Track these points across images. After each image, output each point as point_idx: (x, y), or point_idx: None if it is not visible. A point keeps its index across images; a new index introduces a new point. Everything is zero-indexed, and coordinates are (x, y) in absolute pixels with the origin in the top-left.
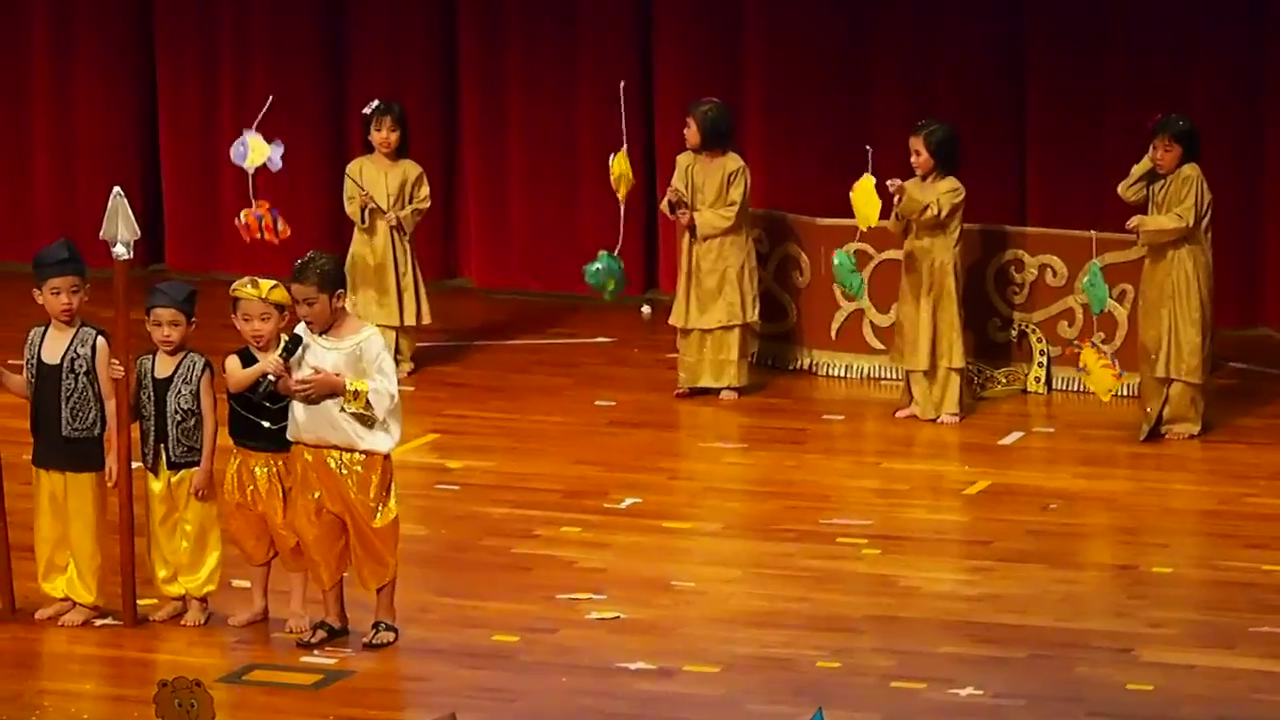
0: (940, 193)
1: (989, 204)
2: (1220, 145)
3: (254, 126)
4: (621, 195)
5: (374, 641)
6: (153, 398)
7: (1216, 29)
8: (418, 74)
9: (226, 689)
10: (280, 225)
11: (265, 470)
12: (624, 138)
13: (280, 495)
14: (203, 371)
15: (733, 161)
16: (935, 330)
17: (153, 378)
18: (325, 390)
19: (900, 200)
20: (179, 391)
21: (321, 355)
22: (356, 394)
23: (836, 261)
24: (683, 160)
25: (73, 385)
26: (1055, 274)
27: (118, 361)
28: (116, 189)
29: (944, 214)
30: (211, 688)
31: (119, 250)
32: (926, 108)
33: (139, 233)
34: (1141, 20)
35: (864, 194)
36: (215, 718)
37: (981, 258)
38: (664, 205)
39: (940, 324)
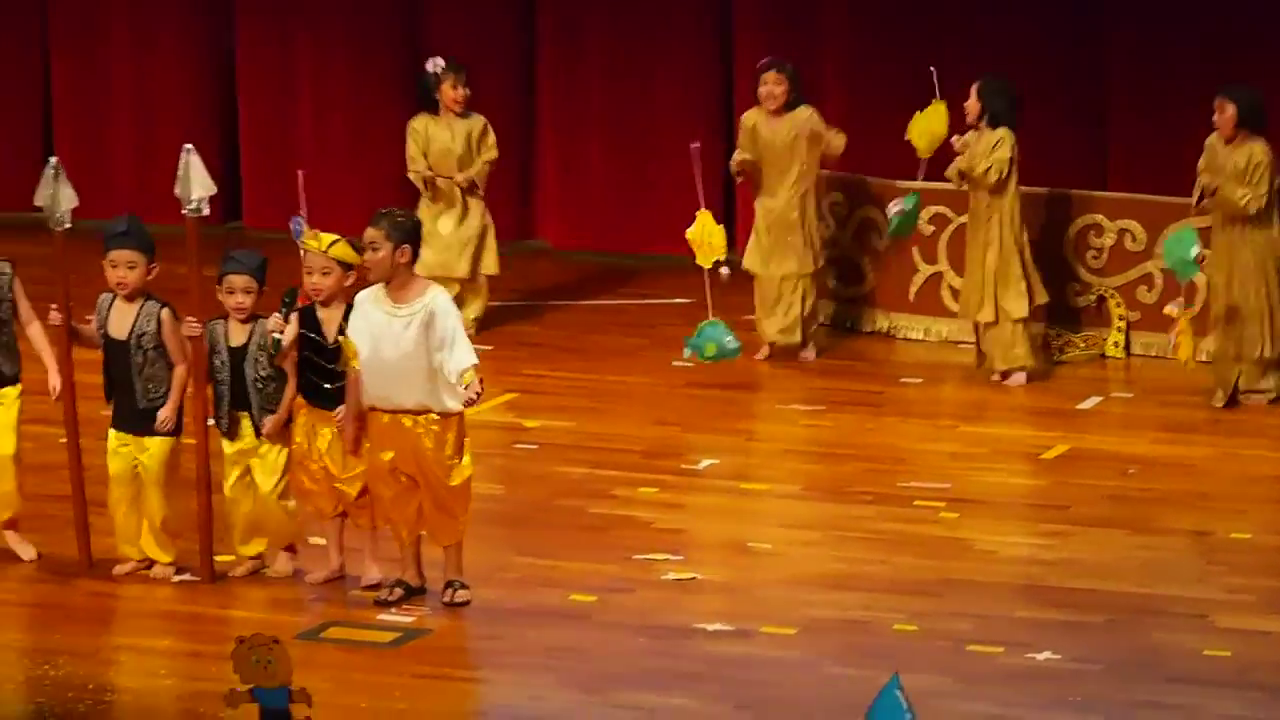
0: (988, 146)
1: (1070, 169)
2: None
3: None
4: (705, 261)
5: (454, 600)
6: (228, 364)
7: None
8: (495, 33)
9: (304, 646)
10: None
11: (328, 428)
12: (701, 199)
13: (341, 451)
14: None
15: (807, 113)
16: (997, 283)
17: (226, 345)
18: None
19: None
20: (255, 359)
21: (387, 325)
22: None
23: (908, 206)
24: (749, 122)
25: (142, 360)
26: (1134, 239)
27: (193, 319)
28: (187, 146)
29: (1005, 173)
30: (289, 645)
31: (192, 206)
32: (1004, 70)
33: (214, 188)
34: None
35: (929, 118)
36: (293, 675)
37: (1060, 222)
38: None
39: (1002, 276)
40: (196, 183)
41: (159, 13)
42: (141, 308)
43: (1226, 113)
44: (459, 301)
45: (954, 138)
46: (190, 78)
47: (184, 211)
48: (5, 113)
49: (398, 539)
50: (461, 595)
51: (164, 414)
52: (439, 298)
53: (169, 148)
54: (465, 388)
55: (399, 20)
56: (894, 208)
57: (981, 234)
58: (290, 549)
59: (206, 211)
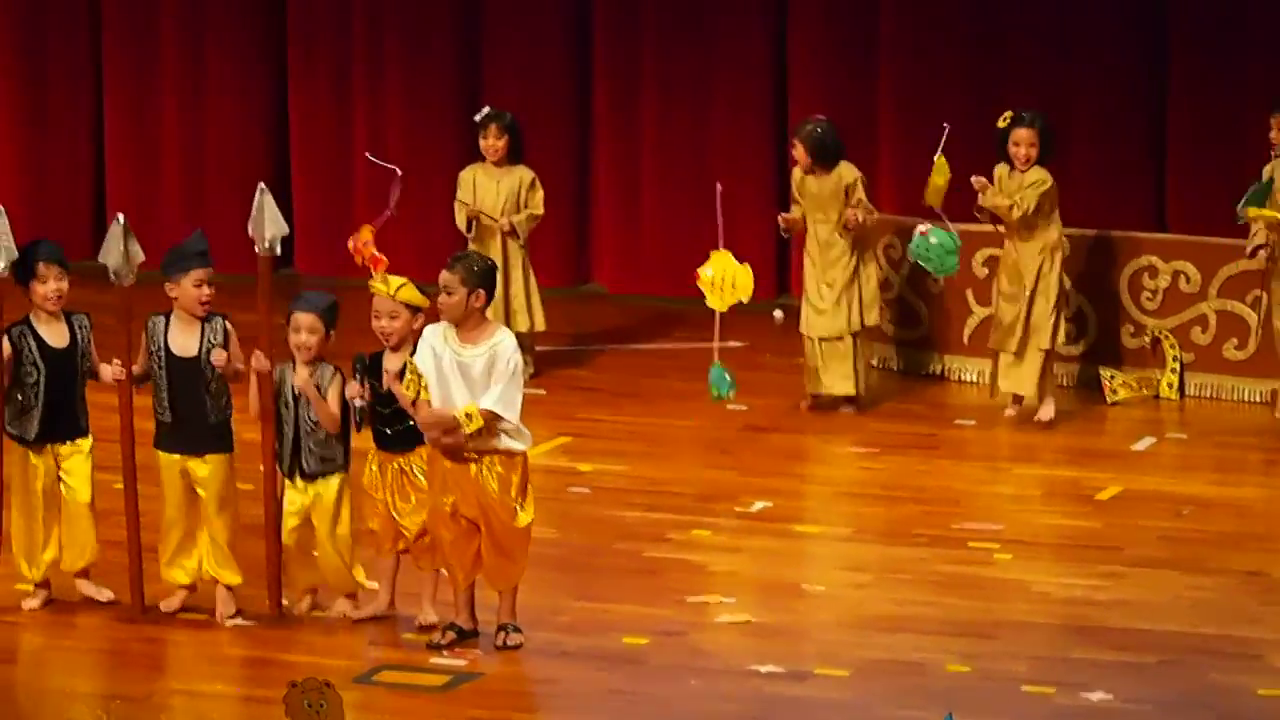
0: (1025, 185)
1: (1127, 210)
2: None
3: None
4: (718, 305)
5: (507, 644)
6: (290, 407)
7: None
8: (551, 77)
9: (356, 690)
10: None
11: (393, 468)
12: (720, 239)
13: (405, 495)
14: (331, 380)
15: (848, 173)
16: (1028, 322)
17: (291, 388)
18: (439, 426)
19: (982, 197)
20: (309, 404)
21: (455, 365)
22: (469, 417)
23: (935, 240)
24: (797, 176)
25: (211, 375)
26: (1189, 280)
27: (262, 354)
28: (261, 185)
29: (1030, 208)
30: (341, 688)
31: (265, 246)
32: (1063, 113)
33: (286, 228)
34: None
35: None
36: (345, 718)
37: (1114, 263)
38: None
39: (1033, 317)
40: (269, 222)
41: (209, 51)
42: (207, 323)
43: None
44: None
45: (972, 178)
46: (241, 118)
47: (257, 250)
48: (58, 161)
49: (453, 582)
50: (515, 639)
51: (221, 356)
52: (506, 340)
53: (218, 191)
54: (466, 417)
55: (455, 70)
56: (921, 228)
57: (1012, 281)
58: (351, 596)
59: (279, 251)
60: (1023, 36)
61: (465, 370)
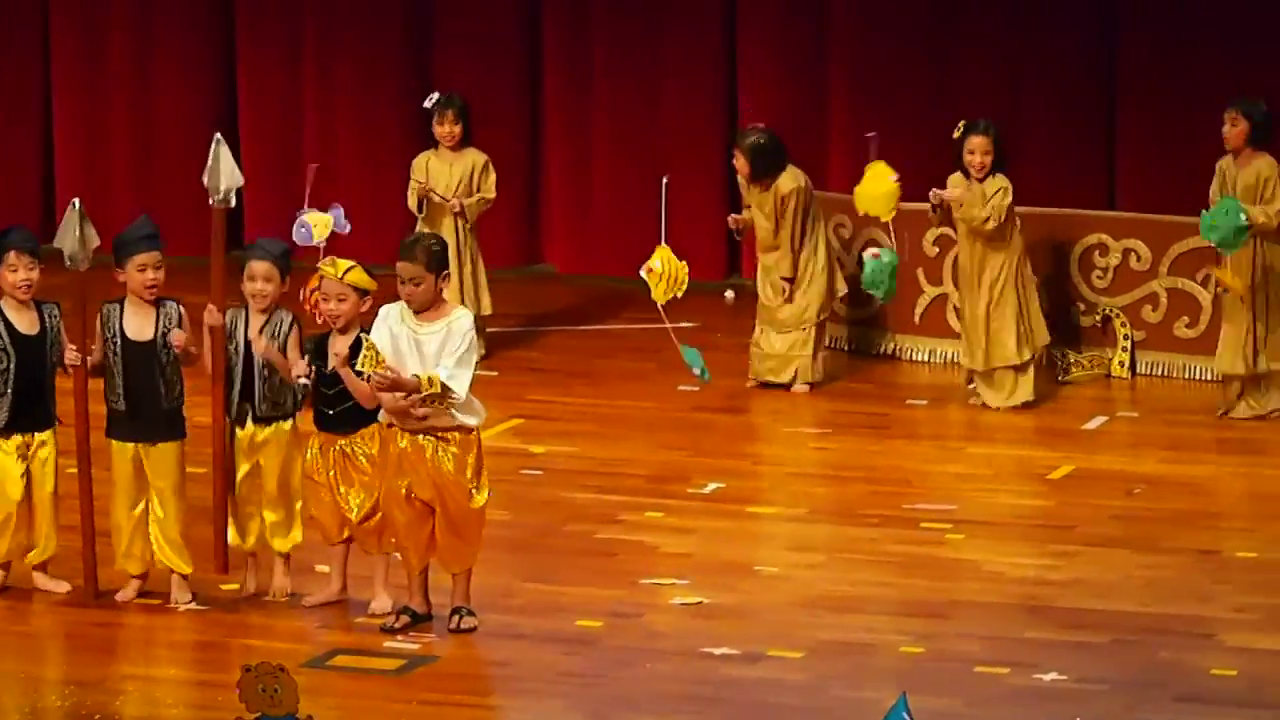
0: (990, 194)
1: (1078, 189)
2: None
3: (305, 201)
4: (661, 297)
5: (461, 627)
6: (241, 352)
7: None
8: (501, 59)
9: (310, 674)
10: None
11: (336, 451)
12: (662, 234)
13: (349, 478)
14: (290, 329)
15: (785, 183)
16: (989, 331)
17: (243, 333)
18: (399, 387)
19: (936, 211)
20: (166, 344)
21: (413, 344)
22: (430, 381)
23: (881, 262)
24: (744, 184)
25: (167, 359)
26: (1139, 258)
27: (214, 308)
28: (218, 135)
29: (1003, 219)
30: (295, 673)
31: (219, 197)
32: (1014, 93)
33: (241, 179)
34: (1235, 5)
35: (874, 182)
36: (299, 703)
37: (1065, 242)
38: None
39: (998, 322)
40: (225, 174)
41: (158, 35)
42: (161, 308)
43: (1239, 126)
44: None
45: (931, 192)
46: (191, 102)
47: (212, 203)
48: (6, 146)
49: (407, 565)
50: (468, 622)
51: (180, 336)
52: (464, 317)
53: (167, 175)
54: (428, 384)
55: (406, 54)
56: (869, 252)
57: (975, 285)
58: (286, 559)
59: (233, 203)
60: (974, 17)
61: (421, 347)
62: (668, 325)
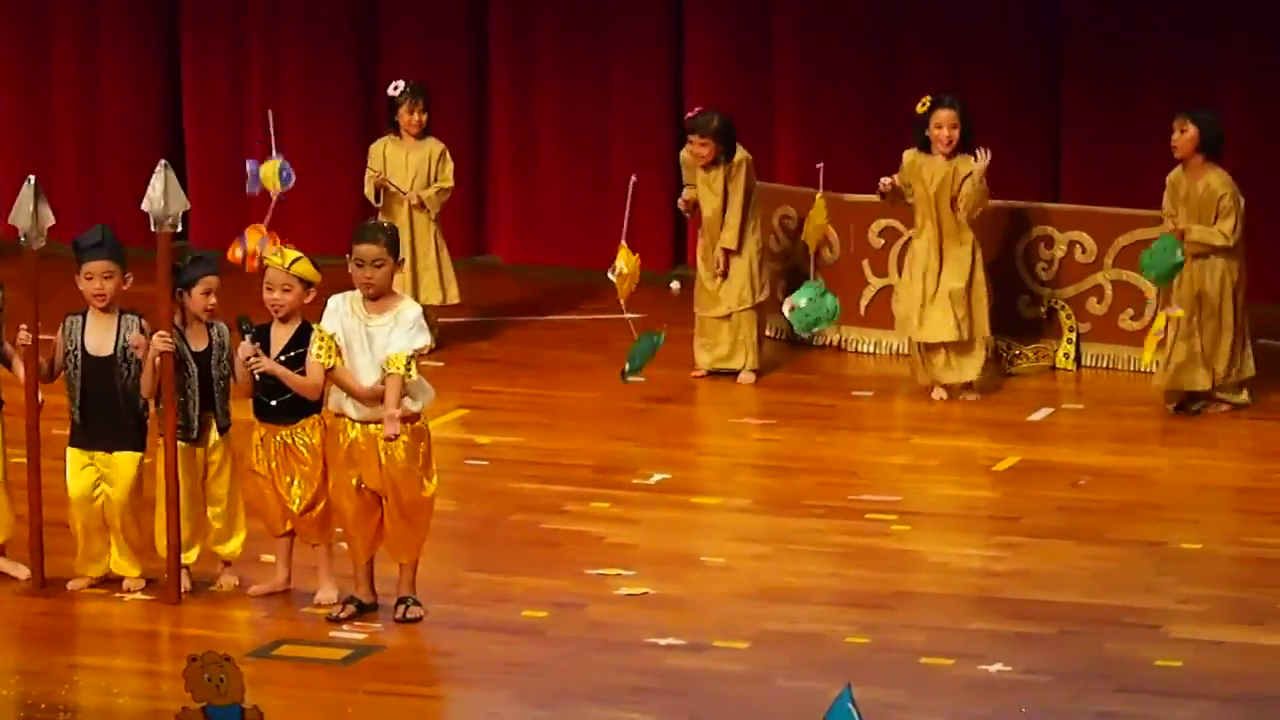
0: (962, 177)
1: (1022, 181)
2: (1257, 123)
3: (272, 149)
4: (623, 295)
5: (407, 616)
6: (195, 370)
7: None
8: (447, 49)
9: (256, 664)
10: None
11: (276, 442)
12: (624, 232)
13: (289, 468)
14: (230, 337)
15: (737, 155)
16: (972, 304)
17: (190, 351)
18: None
19: (884, 198)
20: (219, 359)
21: (363, 334)
22: (398, 365)
23: (802, 303)
24: (685, 158)
25: (127, 373)
26: (1084, 250)
27: (165, 334)
28: (163, 162)
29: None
30: (241, 662)
31: (169, 222)
32: (958, 84)
33: (188, 204)
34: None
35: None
36: (245, 692)
37: (1011, 234)
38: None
39: (977, 298)
40: (173, 198)
41: (102, 33)
42: (120, 320)
43: (1188, 133)
44: None
45: (881, 180)
46: (135, 99)
47: (156, 229)
48: None
49: (353, 555)
50: (414, 611)
51: (139, 339)
52: (412, 307)
53: (113, 172)
54: (393, 367)
55: (351, 40)
56: (785, 306)
57: (946, 255)
58: (229, 564)
59: (179, 228)
60: (921, 8)
61: (372, 340)
62: (626, 316)
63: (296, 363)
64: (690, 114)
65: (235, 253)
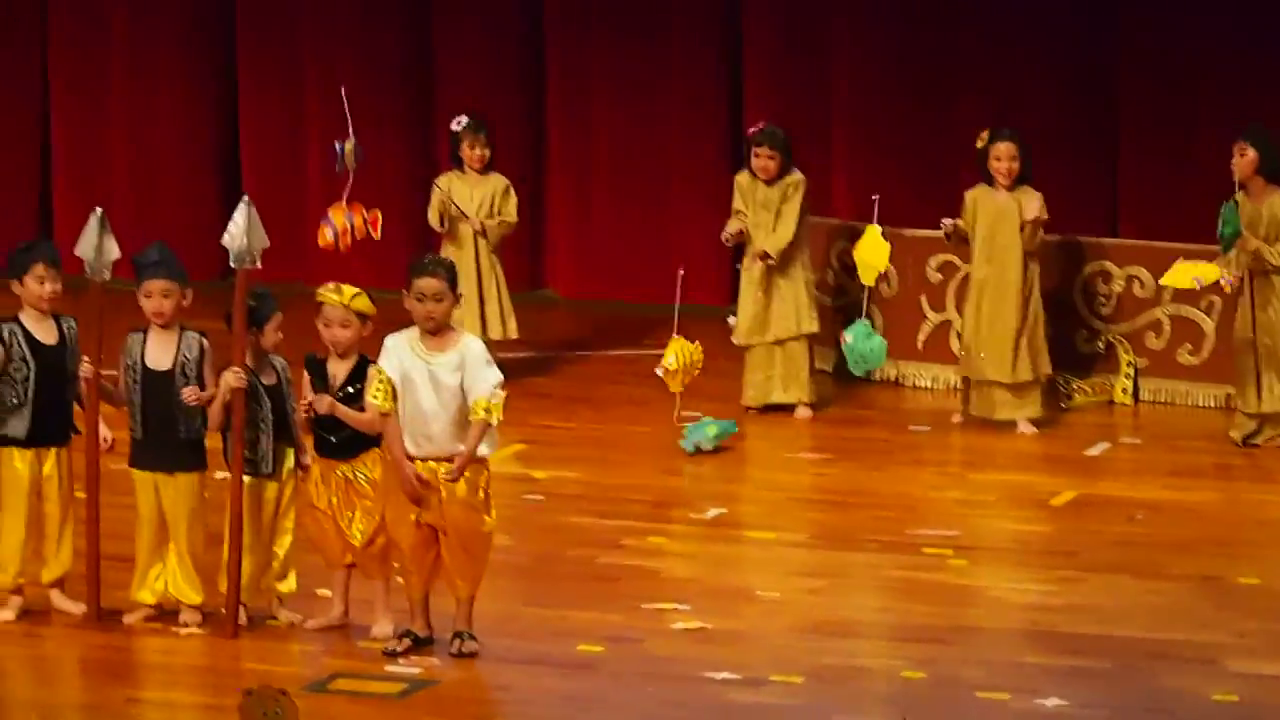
0: (1028, 206)
1: (1080, 215)
2: None
3: (349, 128)
4: (675, 388)
5: (463, 651)
6: (267, 403)
7: None
8: (504, 84)
9: (311, 698)
10: (367, 225)
11: (340, 477)
12: (674, 325)
13: (350, 503)
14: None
15: (793, 176)
16: (1031, 342)
17: (263, 385)
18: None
19: (950, 240)
20: (287, 394)
21: (425, 373)
22: (488, 410)
23: (850, 339)
24: (742, 181)
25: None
26: (1143, 285)
27: (238, 369)
28: (245, 197)
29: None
30: (296, 696)
31: (250, 259)
32: (1015, 119)
33: (268, 241)
34: (1237, 33)
35: (871, 245)
36: None
37: (1069, 268)
38: (724, 237)
39: (1034, 335)
40: (255, 235)
41: (160, 68)
42: (181, 337)
43: (1247, 156)
44: None
45: (943, 221)
46: (192, 132)
47: (236, 265)
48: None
49: (409, 589)
50: (470, 646)
51: (193, 394)
52: (476, 342)
53: (168, 204)
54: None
55: (406, 72)
56: (843, 339)
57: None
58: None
59: (259, 265)
60: (975, 39)
61: (436, 377)
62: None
63: (356, 398)
64: (754, 129)
65: (326, 235)
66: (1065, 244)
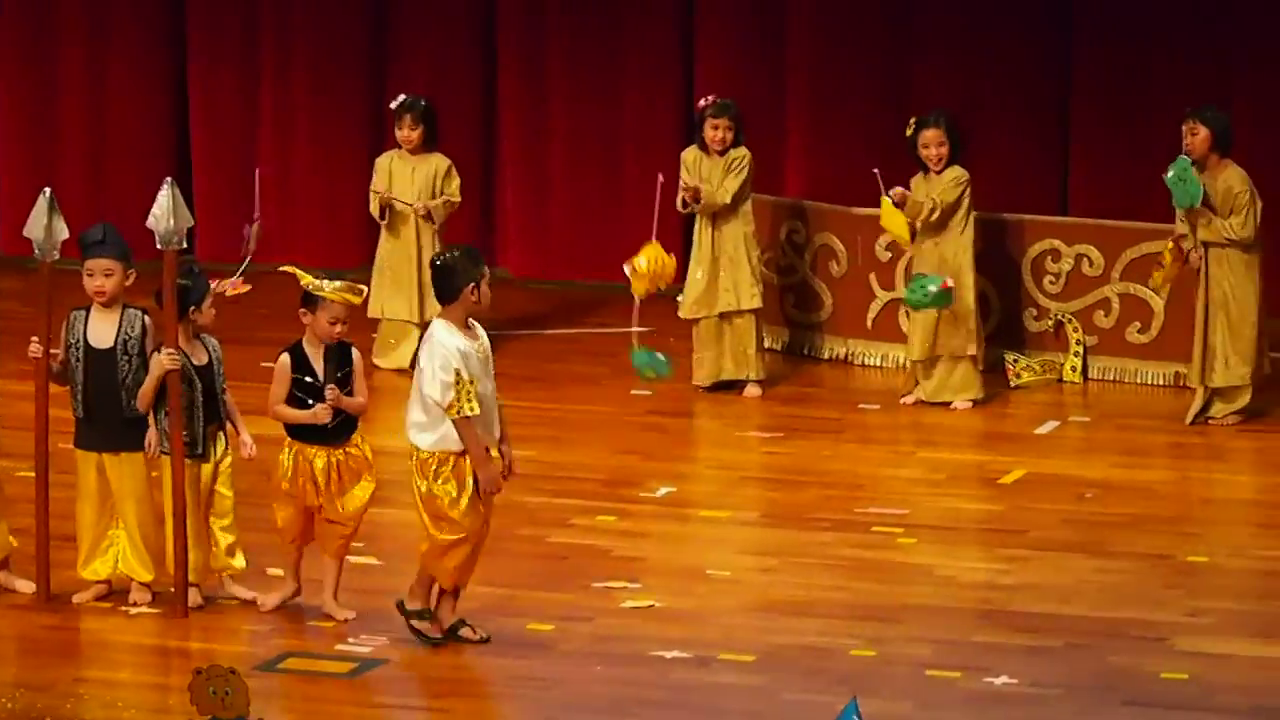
0: (945, 183)
1: (1030, 194)
2: (1269, 134)
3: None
4: (642, 292)
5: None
6: (199, 385)
7: (1265, 18)
8: (457, 63)
9: (261, 677)
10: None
11: (324, 463)
12: (654, 230)
13: (336, 488)
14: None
15: (741, 149)
16: (938, 324)
17: (194, 365)
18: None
19: (900, 208)
20: (218, 373)
21: (481, 360)
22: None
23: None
24: (687, 157)
25: (128, 367)
26: (1092, 264)
27: (172, 351)
28: (168, 179)
29: (951, 201)
30: (247, 676)
31: (175, 240)
32: (968, 98)
33: (192, 220)
34: (1186, 12)
35: (888, 216)
36: (250, 705)
37: (1018, 247)
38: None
39: (947, 317)
40: (179, 216)
41: (112, 45)
42: (123, 315)
43: (1199, 134)
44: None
45: (891, 191)
46: (143, 111)
47: (162, 247)
48: None
49: (460, 578)
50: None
51: (152, 438)
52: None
53: (120, 183)
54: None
55: (362, 52)
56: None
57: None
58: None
59: (185, 245)
60: (929, 20)
61: (487, 362)
62: (634, 330)
63: (343, 383)
64: (705, 101)
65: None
66: (1015, 222)
